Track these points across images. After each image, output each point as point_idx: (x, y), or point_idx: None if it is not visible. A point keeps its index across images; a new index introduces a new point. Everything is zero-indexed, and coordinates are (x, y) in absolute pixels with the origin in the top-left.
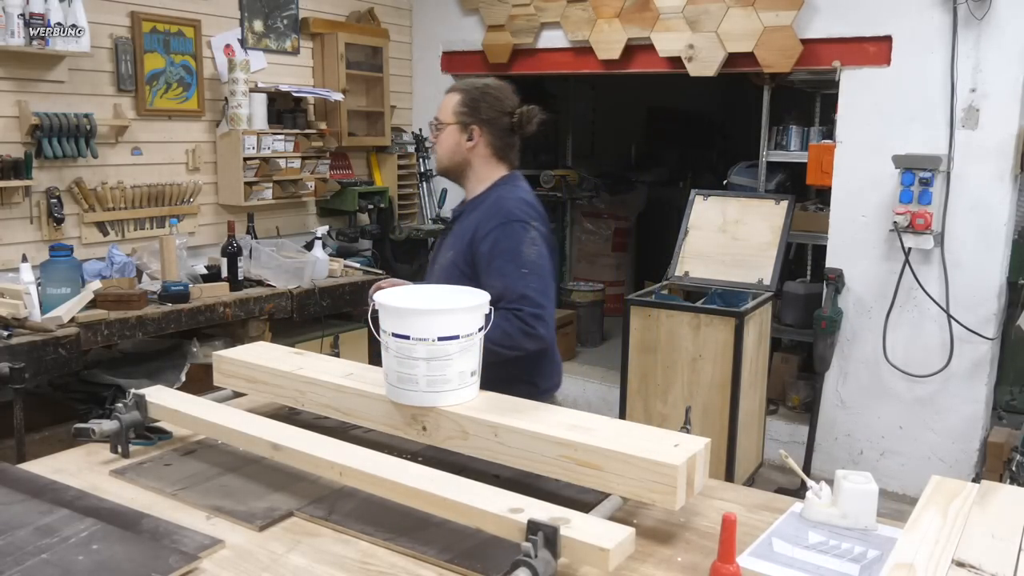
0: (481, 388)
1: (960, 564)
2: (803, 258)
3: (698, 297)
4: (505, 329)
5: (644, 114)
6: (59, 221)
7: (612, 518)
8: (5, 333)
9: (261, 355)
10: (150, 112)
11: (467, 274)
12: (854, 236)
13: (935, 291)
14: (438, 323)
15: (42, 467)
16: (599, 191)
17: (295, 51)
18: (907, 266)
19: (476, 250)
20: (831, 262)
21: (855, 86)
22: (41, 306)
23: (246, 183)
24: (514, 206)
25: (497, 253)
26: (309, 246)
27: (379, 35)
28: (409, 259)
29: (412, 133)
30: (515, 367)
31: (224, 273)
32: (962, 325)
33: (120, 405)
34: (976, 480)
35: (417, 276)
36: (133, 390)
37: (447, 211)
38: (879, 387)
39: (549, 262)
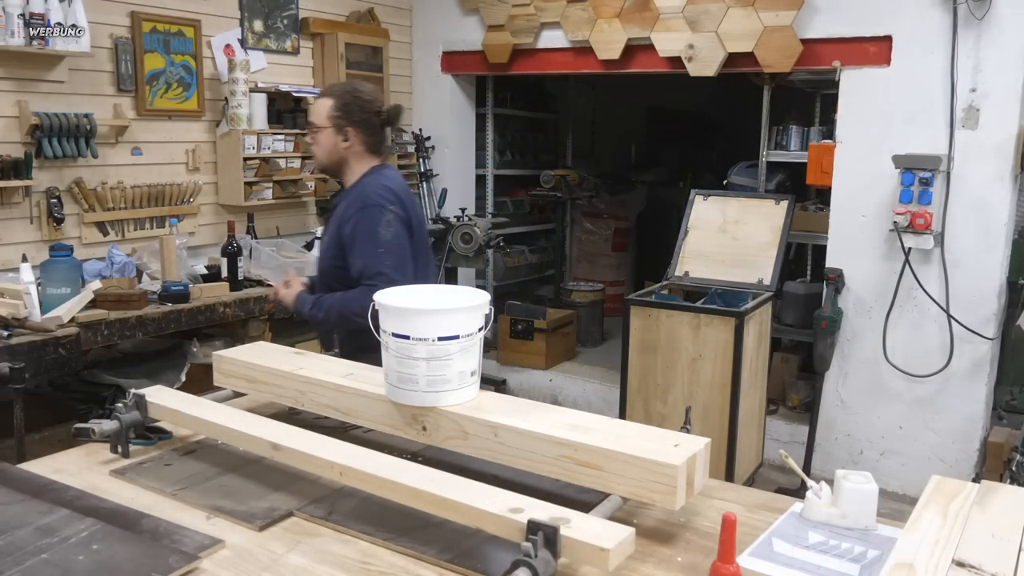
0: (343, 355)
1: (960, 564)
2: (803, 258)
3: (698, 297)
4: (360, 300)
5: (644, 114)
6: (59, 221)
7: (612, 518)
8: (5, 333)
9: (261, 355)
10: (150, 112)
11: (338, 255)
12: (854, 236)
13: (935, 291)
14: (438, 323)
15: (42, 467)
16: (599, 191)
17: (295, 51)
18: (907, 266)
19: (342, 232)
20: (831, 262)
21: (855, 86)
22: (41, 306)
23: (246, 183)
24: (373, 191)
25: (358, 234)
26: (309, 246)
27: (379, 35)
28: None
29: (412, 133)
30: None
31: (224, 273)
32: (962, 325)
33: (120, 405)
34: (976, 480)
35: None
36: (133, 390)
37: (447, 211)
38: (879, 387)
39: (408, 240)
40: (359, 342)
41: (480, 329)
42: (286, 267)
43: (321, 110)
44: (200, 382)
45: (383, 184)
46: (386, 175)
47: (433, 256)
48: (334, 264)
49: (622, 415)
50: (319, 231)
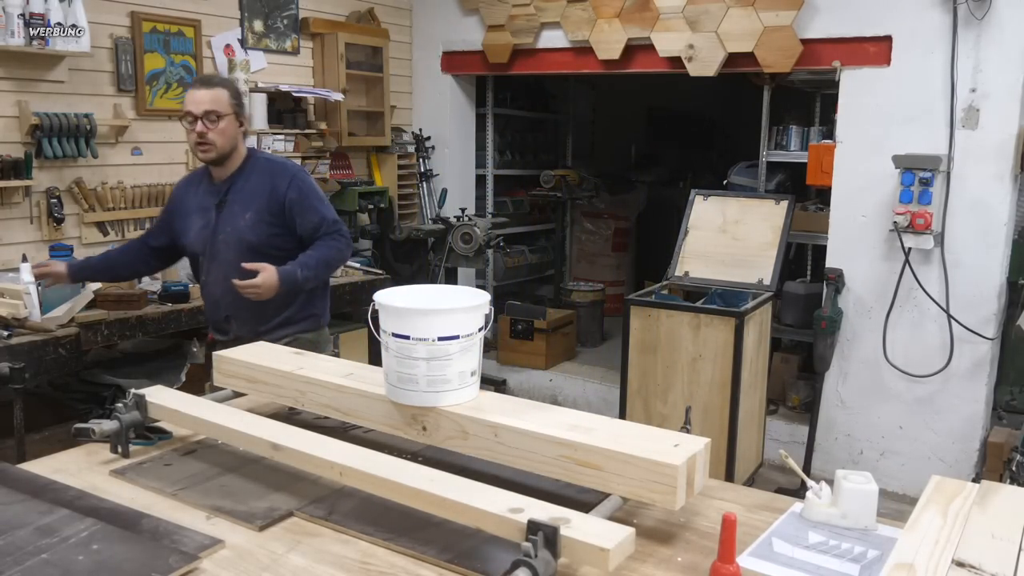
0: (275, 329)
1: (960, 564)
2: (803, 258)
3: (698, 297)
4: (337, 246)
5: (644, 114)
6: (59, 221)
7: (612, 518)
8: (5, 333)
9: (261, 355)
10: (150, 112)
11: (275, 223)
12: (854, 236)
13: (935, 291)
14: (438, 323)
15: (42, 467)
16: (599, 191)
17: (295, 51)
18: (907, 266)
19: (284, 201)
20: (831, 262)
21: (855, 86)
22: (41, 306)
23: None
24: (286, 161)
25: (305, 194)
26: None
27: (379, 35)
28: (409, 259)
29: (412, 133)
30: (308, 303)
31: None
32: (962, 325)
33: (120, 405)
34: (976, 480)
35: (418, 276)
36: (133, 390)
37: (447, 211)
38: (879, 387)
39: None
40: (298, 312)
41: (480, 329)
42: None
43: (222, 99)
44: (200, 382)
45: (282, 157)
46: (268, 152)
47: None
48: (270, 233)
49: (622, 415)
50: None
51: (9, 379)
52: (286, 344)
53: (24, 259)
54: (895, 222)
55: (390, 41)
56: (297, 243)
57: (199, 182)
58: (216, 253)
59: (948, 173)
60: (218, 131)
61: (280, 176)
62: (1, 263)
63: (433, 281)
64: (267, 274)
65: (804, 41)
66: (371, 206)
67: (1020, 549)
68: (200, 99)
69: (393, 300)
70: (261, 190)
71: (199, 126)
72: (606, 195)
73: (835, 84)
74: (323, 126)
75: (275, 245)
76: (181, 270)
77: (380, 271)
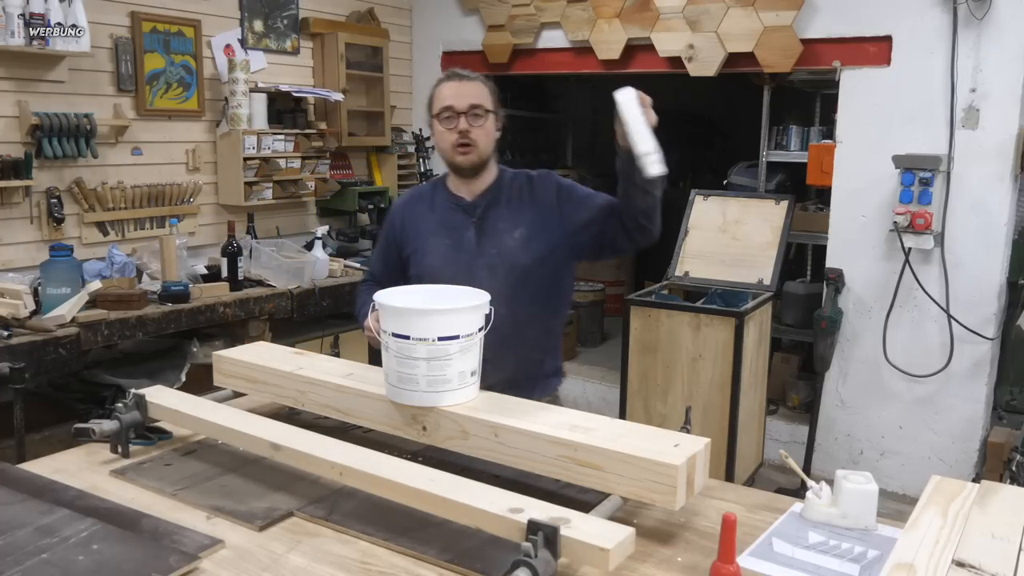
0: (540, 380)
1: (960, 564)
2: (803, 258)
3: (698, 297)
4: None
5: None
6: (59, 221)
7: (612, 518)
8: (5, 333)
9: (261, 355)
10: (150, 112)
11: (548, 239)
12: (854, 236)
13: (935, 291)
14: (438, 323)
15: (42, 467)
16: (599, 191)
17: (295, 51)
18: (907, 266)
19: (569, 203)
20: (831, 262)
21: (855, 86)
22: (41, 306)
23: (246, 183)
24: (529, 170)
25: (574, 186)
26: (309, 246)
27: (379, 35)
28: None
29: (412, 133)
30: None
31: (224, 273)
32: (962, 325)
33: (120, 405)
34: (976, 480)
35: None
36: (133, 390)
37: None
38: (879, 387)
39: None
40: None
41: (480, 329)
42: (287, 267)
43: (484, 92)
44: (200, 382)
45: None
46: None
47: None
48: (544, 255)
49: (622, 415)
50: (319, 231)
51: (9, 379)
52: (548, 402)
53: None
54: (895, 222)
55: (390, 41)
56: (572, 271)
57: (430, 199)
58: (476, 281)
59: (948, 173)
60: (483, 130)
61: (546, 187)
62: (1, 263)
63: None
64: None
65: (804, 41)
66: (371, 206)
67: (1020, 549)
68: (463, 92)
69: (393, 300)
70: (524, 203)
71: (462, 123)
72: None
73: (835, 84)
74: (323, 126)
75: (551, 264)
76: (181, 270)
77: None
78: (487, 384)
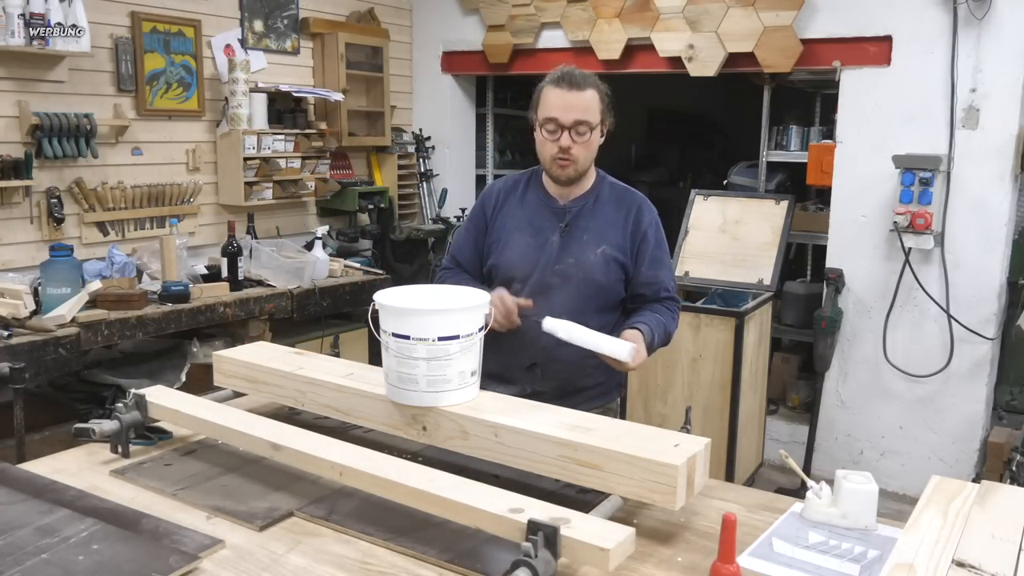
0: (586, 391)
1: (960, 564)
2: (803, 258)
3: (698, 297)
4: (676, 321)
5: (644, 114)
6: (59, 221)
7: (612, 518)
8: (5, 333)
9: (261, 355)
10: (150, 112)
11: (624, 265)
12: (854, 236)
13: (935, 291)
14: (438, 323)
15: (42, 467)
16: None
17: (295, 51)
18: (907, 266)
19: (640, 241)
20: (831, 262)
21: (855, 86)
22: (41, 306)
23: (246, 183)
24: (633, 190)
25: (660, 244)
26: (309, 246)
27: (379, 35)
28: (409, 259)
29: (412, 133)
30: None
31: (224, 273)
32: (962, 325)
33: (120, 405)
34: (976, 480)
35: (418, 276)
36: (133, 390)
37: (447, 211)
38: (879, 387)
39: None
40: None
41: (480, 329)
42: (287, 267)
43: (593, 104)
44: (200, 382)
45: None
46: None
47: None
48: (617, 278)
49: (622, 415)
50: (319, 231)
51: (9, 379)
52: (598, 413)
53: None
54: (895, 222)
55: (390, 41)
56: (651, 298)
57: (523, 191)
58: (547, 286)
59: (948, 173)
60: (585, 146)
61: (645, 212)
62: (1, 263)
63: (433, 281)
64: (637, 348)
65: (804, 41)
66: (371, 206)
67: (1020, 549)
68: (572, 104)
69: (393, 300)
70: (617, 221)
71: (564, 138)
72: None
73: (835, 84)
74: (323, 126)
75: (618, 292)
76: (181, 270)
77: (380, 271)
78: (533, 390)
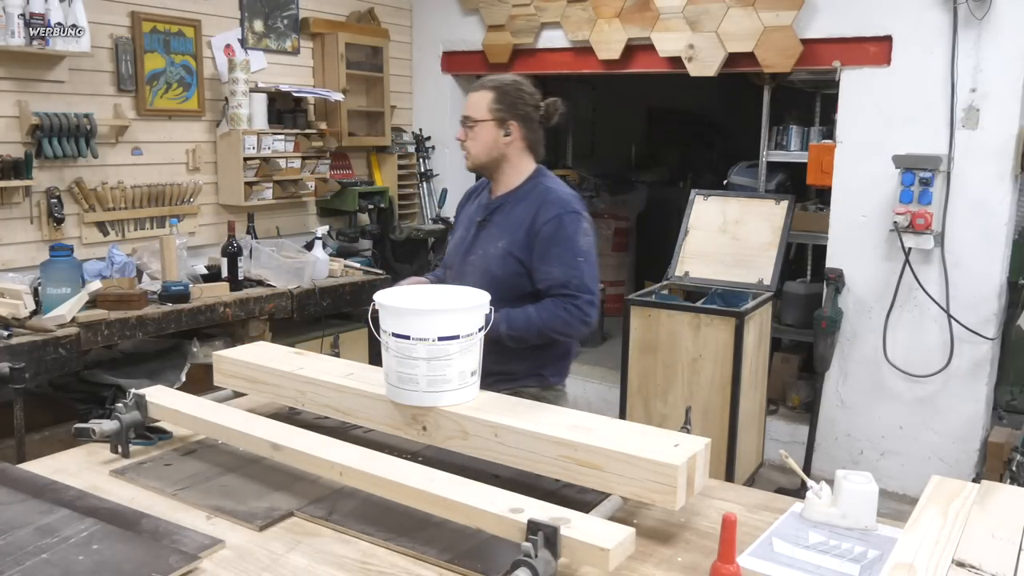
0: (491, 384)
1: (960, 564)
2: (803, 258)
3: (698, 297)
4: (563, 317)
5: (644, 114)
6: (59, 221)
7: (612, 518)
8: (5, 333)
9: (261, 355)
10: (150, 112)
11: (522, 261)
12: (854, 236)
13: (935, 291)
14: (438, 323)
15: (42, 467)
16: (599, 191)
17: (295, 51)
18: (907, 266)
19: (535, 237)
20: (831, 262)
21: (855, 86)
22: (41, 306)
23: (246, 183)
24: (568, 197)
25: (557, 241)
26: (309, 246)
27: (379, 35)
28: (409, 259)
29: (412, 133)
30: (535, 361)
31: (224, 273)
32: (962, 325)
33: (120, 405)
34: (976, 480)
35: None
36: (133, 390)
37: (447, 211)
38: (879, 387)
39: (595, 253)
40: (518, 367)
41: (480, 329)
42: (287, 267)
43: (480, 103)
44: (200, 382)
45: (570, 192)
46: (559, 180)
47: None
48: (515, 272)
49: (622, 415)
50: (319, 231)
51: (9, 379)
52: (508, 394)
53: None
54: (895, 222)
55: (390, 41)
56: (544, 292)
57: (484, 190)
58: (463, 275)
59: (948, 173)
60: (474, 138)
61: (545, 210)
62: (1, 263)
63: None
64: None
65: (804, 41)
66: (371, 206)
67: (1020, 549)
68: (468, 101)
69: (393, 300)
70: (522, 219)
71: (459, 132)
72: (606, 195)
73: (835, 84)
74: (323, 126)
75: (519, 286)
76: (181, 270)
77: (380, 271)
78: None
